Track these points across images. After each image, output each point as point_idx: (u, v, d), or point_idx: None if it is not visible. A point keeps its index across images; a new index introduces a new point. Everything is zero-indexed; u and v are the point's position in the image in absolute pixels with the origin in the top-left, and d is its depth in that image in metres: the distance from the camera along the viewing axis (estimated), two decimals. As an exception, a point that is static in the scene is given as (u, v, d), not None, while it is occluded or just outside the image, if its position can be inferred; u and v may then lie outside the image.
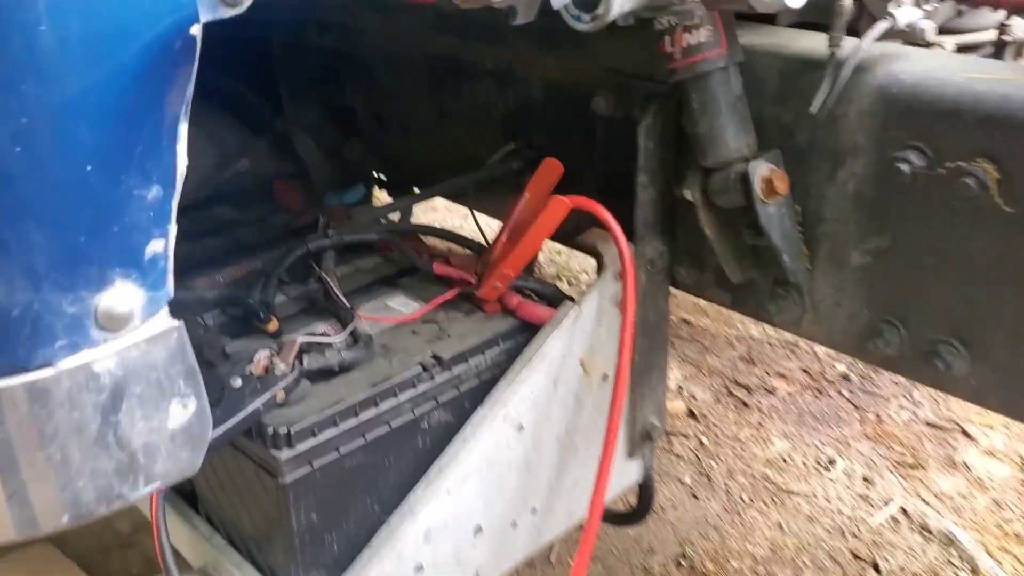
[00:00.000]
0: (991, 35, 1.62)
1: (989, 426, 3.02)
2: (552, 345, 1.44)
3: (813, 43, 1.35)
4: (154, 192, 0.84)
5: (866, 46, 1.24)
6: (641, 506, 1.81)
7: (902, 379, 3.22)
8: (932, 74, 1.21)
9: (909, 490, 2.75)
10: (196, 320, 1.45)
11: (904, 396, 3.21)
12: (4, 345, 0.77)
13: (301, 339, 1.37)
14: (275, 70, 2.14)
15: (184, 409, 0.82)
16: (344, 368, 1.37)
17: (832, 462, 2.88)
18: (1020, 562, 2.48)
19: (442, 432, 1.43)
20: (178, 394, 0.83)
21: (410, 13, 1.84)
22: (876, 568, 2.48)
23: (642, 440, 1.66)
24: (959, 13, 1.58)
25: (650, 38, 1.31)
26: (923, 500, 2.71)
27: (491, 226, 1.81)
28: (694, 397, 3.26)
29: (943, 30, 1.55)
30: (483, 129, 1.84)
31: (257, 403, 1.24)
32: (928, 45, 1.32)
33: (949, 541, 2.55)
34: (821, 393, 3.26)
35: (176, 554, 1.38)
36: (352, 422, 1.32)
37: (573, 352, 1.48)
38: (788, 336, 3.63)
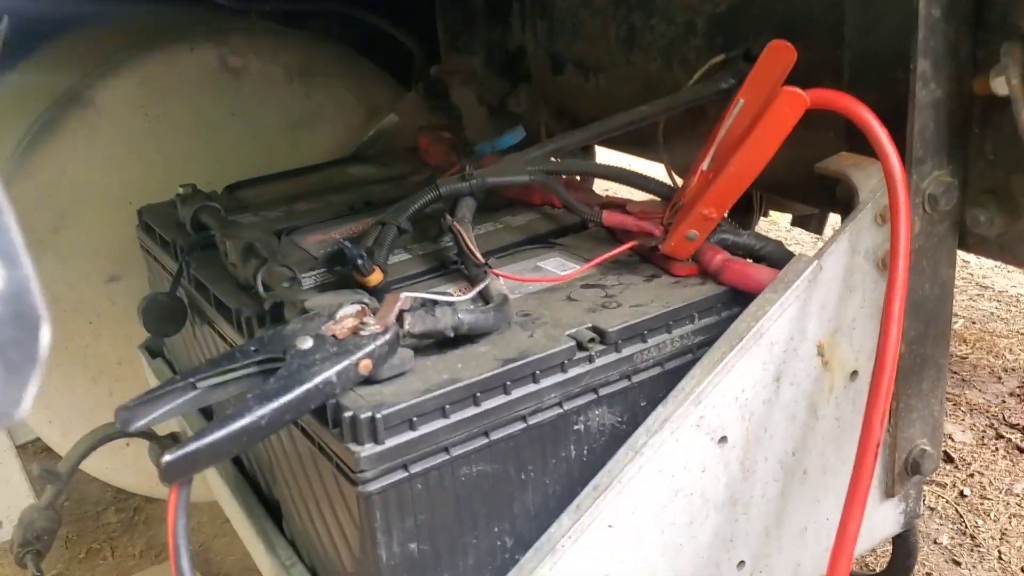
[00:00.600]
0: None
1: None
2: (774, 321, 0.96)
3: None
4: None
5: None
6: (896, 568, 1.26)
7: None
8: None
9: None
10: (282, 273, 1.09)
11: None
12: None
13: (407, 294, 0.97)
14: (432, 7, 1.80)
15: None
16: (463, 337, 0.96)
17: None
18: None
19: (605, 438, 0.99)
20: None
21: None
22: None
23: (907, 473, 1.13)
24: None
25: None
26: None
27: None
28: (951, 438, 2.60)
29: None
30: (684, 48, 1.39)
31: (329, 373, 0.84)
32: None
33: None
34: None
35: None
36: (470, 411, 0.90)
37: (807, 333, 0.99)
38: (1075, 369, 2.88)
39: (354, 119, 1.87)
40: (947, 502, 2.35)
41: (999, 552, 2.15)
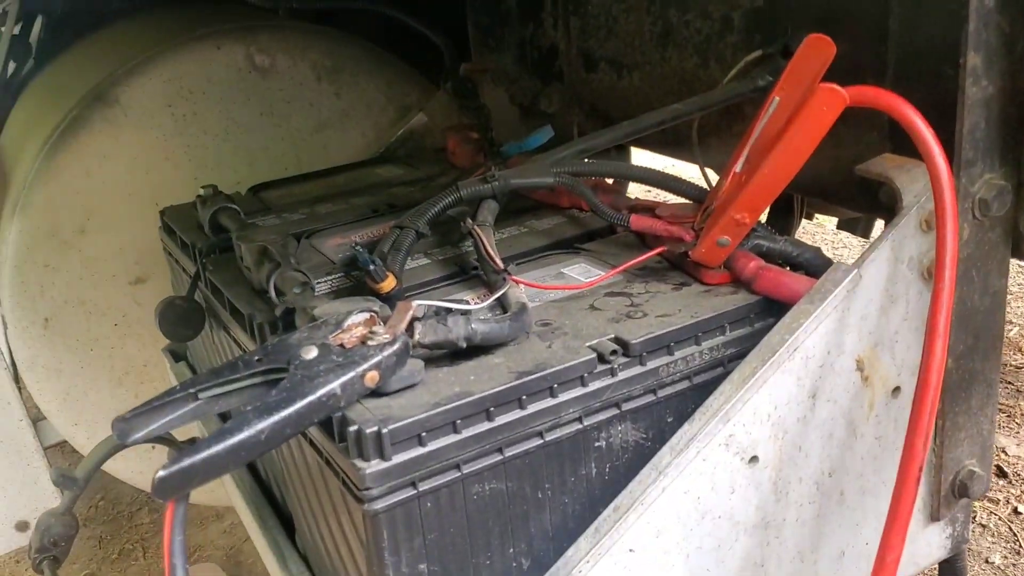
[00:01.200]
0: None
1: None
2: (809, 334, 0.90)
3: None
4: None
5: None
6: (943, 598, 1.19)
7: None
8: None
9: None
10: (295, 278, 1.05)
11: None
12: None
13: (422, 303, 0.93)
14: (463, 4, 1.75)
15: None
16: (477, 348, 0.91)
17: None
18: None
19: (629, 456, 0.93)
20: None
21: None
22: None
23: (954, 496, 1.06)
24: None
25: None
26: None
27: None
28: (1004, 452, 2.50)
29: None
30: (720, 45, 1.33)
31: (333, 385, 0.80)
32: None
33: None
34: None
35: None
36: (482, 427, 0.85)
37: (845, 346, 0.93)
38: None
39: (384, 119, 1.84)
40: (1000, 519, 2.25)
41: (1054, 573, 2.05)
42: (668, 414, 0.95)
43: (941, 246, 0.83)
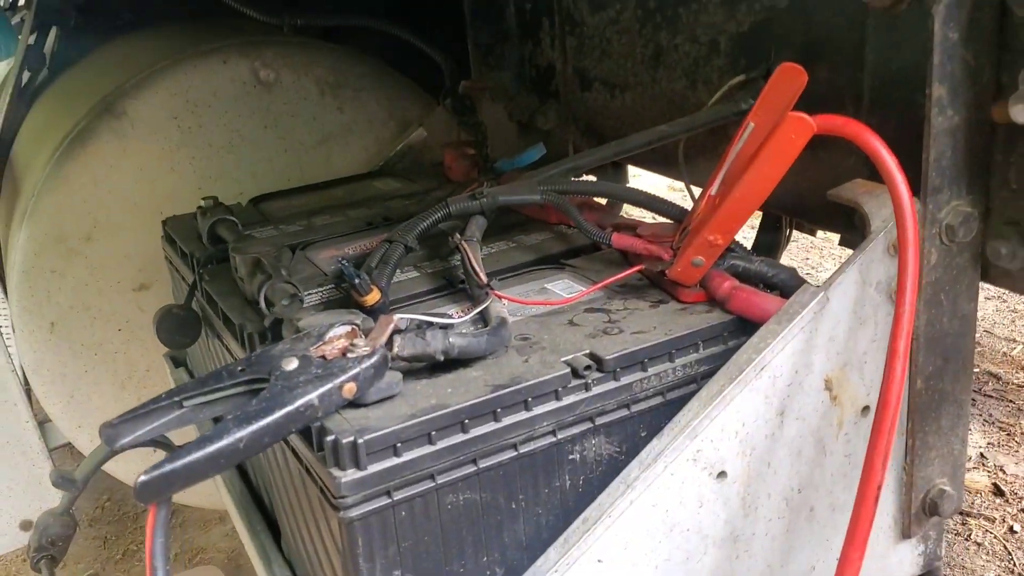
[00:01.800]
0: None
1: None
2: (776, 353, 0.92)
3: None
4: None
5: None
6: (918, 614, 1.21)
7: None
8: None
9: None
10: (285, 289, 1.09)
11: None
12: None
13: (405, 316, 0.96)
14: (464, 22, 1.79)
15: None
16: (455, 361, 0.94)
17: None
18: None
19: (603, 468, 0.96)
20: None
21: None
22: None
23: (925, 514, 1.08)
24: None
25: None
26: None
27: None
28: (1003, 470, 2.50)
29: None
30: (708, 68, 1.36)
31: (311, 395, 0.83)
32: None
33: None
34: None
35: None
36: (457, 438, 0.88)
37: (813, 366, 0.95)
38: None
39: (385, 132, 1.88)
40: (995, 538, 2.26)
41: (1046, 593, 2.06)
42: (642, 428, 0.97)
43: (902, 272, 0.86)
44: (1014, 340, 3.23)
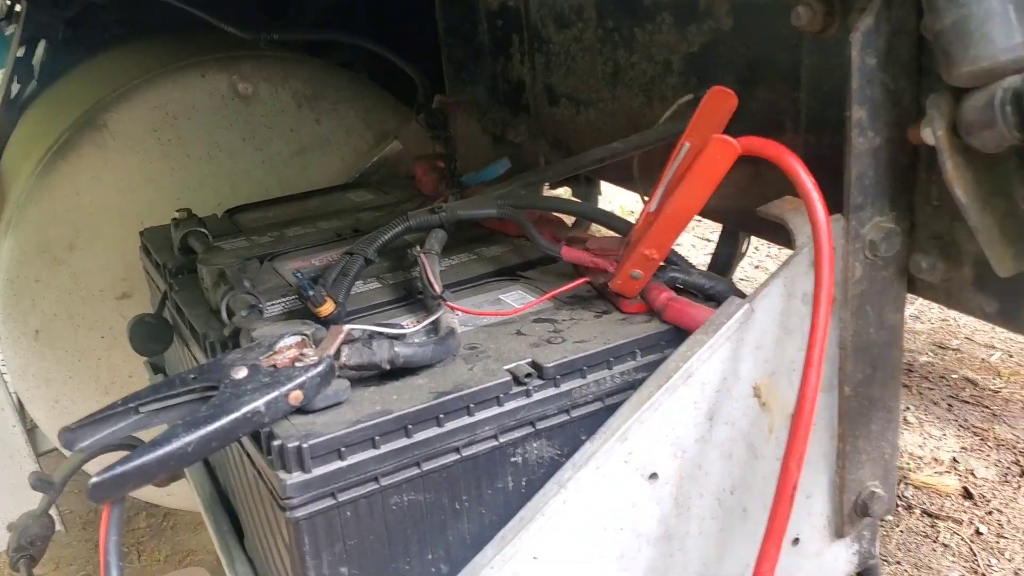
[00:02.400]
0: None
1: None
2: (703, 361, 0.97)
3: None
4: None
5: None
6: (859, 611, 1.25)
7: None
8: None
9: None
10: (246, 300, 1.14)
11: None
12: None
13: (356, 327, 1.01)
14: (437, 39, 1.84)
15: None
16: (403, 369, 0.99)
17: None
18: None
19: (544, 470, 1.01)
20: None
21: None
22: None
23: (857, 515, 1.13)
24: None
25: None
26: None
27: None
28: (973, 474, 2.55)
29: None
30: (662, 85, 1.41)
31: (257, 403, 0.88)
32: None
33: None
34: None
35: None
36: (400, 442, 0.93)
37: (741, 374, 1.00)
38: (1110, 405, 2.80)
39: (362, 144, 1.93)
40: (962, 539, 2.31)
41: (1010, 594, 2.10)
42: (581, 432, 1.02)
43: (817, 284, 0.91)
44: (993, 347, 3.27)
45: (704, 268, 1.34)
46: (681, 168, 1.03)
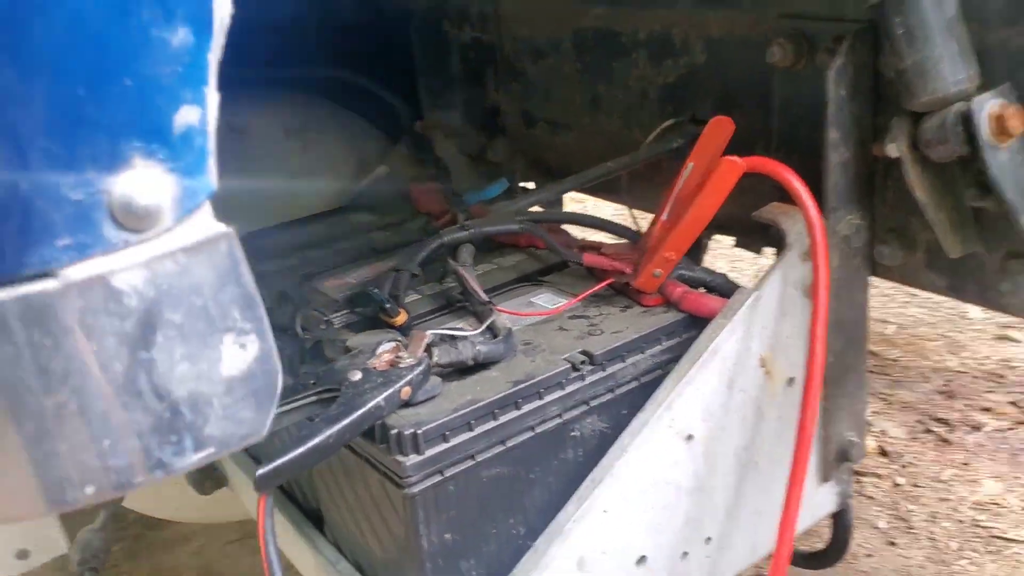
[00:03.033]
0: None
1: None
2: (726, 339, 1.20)
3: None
4: (181, 36, 0.60)
5: None
6: (836, 544, 1.51)
7: None
8: None
9: None
10: (318, 316, 1.30)
11: None
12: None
13: (431, 331, 1.19)
14: (414, 69, 2.02)
15: (243, 351, 0.62)
16: (480, 364, 1.18)
17: (1061, 507, 2.45)
18: None
19: (596, 442, 1.21)
20: (233, 329, 0.62)
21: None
22: None
23: (838, 461, 1.38)
24: None
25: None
26: None
27: (647, 220, 1.59)
28: (885, 434, 2.88)
29: None
30: (640, 112, 1.63)
31: (379, 399, 1.06)
32: None
33: None
34: (1039, 428, 2.82)
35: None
36: (489, 425, 1.12)
37: (751, 349, 1.23)
38: (992, 366, 3.20)
39: (345, 171, 2.08)
40: (883, 491, 2.62)
41: (930, 532, 2.42)
42: (623, 407, 1.23)
43: (816, 274, 1.15)
44: (886, 321, 3.65)
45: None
46: (688, 184, 1.25)
